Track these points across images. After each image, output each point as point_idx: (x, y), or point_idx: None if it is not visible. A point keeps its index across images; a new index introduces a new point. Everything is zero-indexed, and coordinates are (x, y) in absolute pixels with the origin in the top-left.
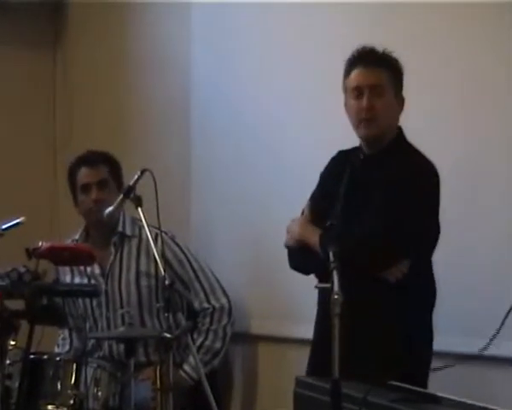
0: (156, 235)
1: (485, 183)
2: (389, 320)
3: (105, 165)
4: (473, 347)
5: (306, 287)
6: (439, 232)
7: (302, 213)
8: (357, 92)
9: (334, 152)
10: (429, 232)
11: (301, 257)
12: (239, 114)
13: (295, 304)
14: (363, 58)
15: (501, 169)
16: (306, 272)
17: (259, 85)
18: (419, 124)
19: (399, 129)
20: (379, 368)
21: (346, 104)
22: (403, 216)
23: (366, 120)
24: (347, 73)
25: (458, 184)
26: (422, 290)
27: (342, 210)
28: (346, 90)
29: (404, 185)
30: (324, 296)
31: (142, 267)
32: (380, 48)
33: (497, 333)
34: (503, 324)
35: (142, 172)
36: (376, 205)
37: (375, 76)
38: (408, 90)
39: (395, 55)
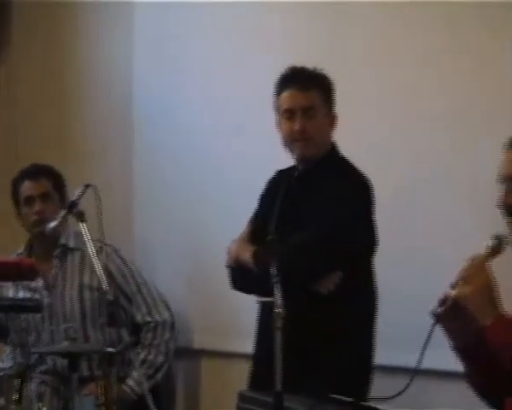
0: (99, 248)
1: (423, 197)
2: (326, 332)
3: (47, 178)
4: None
5: (249, 301)
6: (373, 244)
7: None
8: (289, 114)
9: (274, 162)
10: (361, 244)
11: (241, 277)
12: (180, 125)
13: (238, 318)
14: (295, 79)
15: (437, 179)
16: (247, 292)
17: (202, 94)
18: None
19: (332, 144)
20: (321, 381)
21: (278, 123)
22: (333, 229)
23: (298, 141)
24: (278, 92)
25: (398, 200)
26: (360, 302)
27: (277, 227)
28: (277, 109)
29: (335, 199)
30: (265, 311)
31: (86, 280)
32: (310, 67)
33: (426, 346)
34: (429, 336)
35: (86, 186)
36: (308, 219)
37: (307, 98)
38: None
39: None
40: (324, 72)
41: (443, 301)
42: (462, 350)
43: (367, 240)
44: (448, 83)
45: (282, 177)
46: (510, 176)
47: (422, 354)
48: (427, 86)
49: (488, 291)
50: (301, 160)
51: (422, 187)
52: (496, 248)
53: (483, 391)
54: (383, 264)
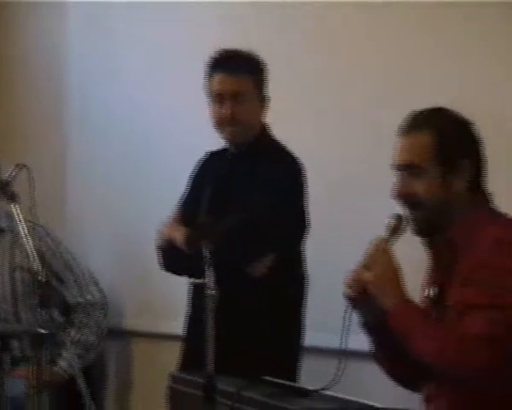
0: (31, 229)
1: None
2: (258, 315)
3: None
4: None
5: (180, 283)
6: (304, 227)
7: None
8: (218, 98)
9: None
10: (293, 228)
11: (172, 259)
12: (115, 110)
13: (169, 300)
14: (225, 62)
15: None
16: (178, 273)
17: (138, 82)
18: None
19: (264, 126)
20: (252, 363)
21: (209, 106)
22: (265, 212)
23: (227, 126)
24: (209, 75)
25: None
26: (290, 284)
27: (209, 209)
28: (208, 92)
29: (267, 183)
30: (197, 292)
31: (17, 261)
32: (243, 50)
33: (347, 328)
34: (345, 320)
35: (18, 166)
36: (241, 202)
37: (237, 83)
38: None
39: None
40: (256, 54)
41: (350, 285)
42: (369, 329)
43: (298, 224)
44: (387, 69)
45: (213, 159)
46: (401, 165)
47: (343, 335)
48: (364, 74)
49: (390, 275)
50: (231, 144)
51: (354, 174)
52: (396, 228)
53: (388, 370)
54: (314, 247)
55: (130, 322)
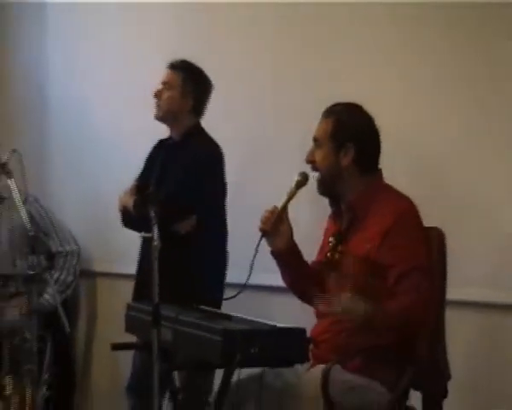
0: (24, 198)
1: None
2: (186, 263)
3: None
4: (258, 279)
5: (134, 236)
6: (223, 196)
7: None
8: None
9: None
10: (212, 195)
11: (126, 219)
12: (86, 98)
13: (126, 248)
14: (171, 62)
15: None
16: (132, 229)
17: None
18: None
19: (199, 123)
20: (185, 295)
21: None
22: (189, 184)
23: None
24: None
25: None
26: (212, 236)
27: (156, 182)
28: None
29: (193, 162)
30: (145, 243)
31: (14, 221)
32: (185, 57)
33: (252, 265)
34: (254, 256)
35: (13, 151)
36: (173, 177)
37: (168, 76)
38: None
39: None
40: (196, 66)
41: (263, 222)
42: (275, 256)
43: (214, 193)
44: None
45: (160, 145)
46: (313, 138)
47: (251, 267)
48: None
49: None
50: (170, 133)
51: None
52: (301, 182)
53: (291, 287)
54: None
55: (97, 265)
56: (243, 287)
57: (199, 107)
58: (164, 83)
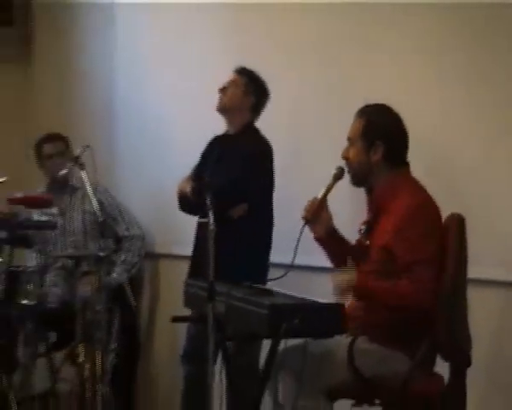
0: (95, 188)
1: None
2: (238, 243)
3: (62, 140)
4: (301, 260)
5: (192, 220)
6: (271, 188)
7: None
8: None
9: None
10: (261, 186)
11: (184, 203)
12: (149, 101)
13: (184, 233)
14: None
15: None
16: (189, 213)
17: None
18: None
19: (252, 121)
20: (236, 273)
21: None
22: (243, 175)
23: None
24: None
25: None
26: (260, 223)
27: (211, 173)
28: None
29: (247, 156)
30: (201, 227)
31: (86, 208)
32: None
33: (296, 248)
34: (298, 241)
35: (86, 146)
36: (229, 167)
37: (233, 77)
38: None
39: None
40: (257, 75)
41: (307, 210)
42: (318, 241)
43: (264, 185)
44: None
45: (215, 141)
46: (348, 137)
47: (296, 250)
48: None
49: (321, 213)
50: (227, 128)
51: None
52: (338, 175)
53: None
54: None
55: (159, 248)
56: (290, 267)
57: (257, 107)
58: (230, 82)
